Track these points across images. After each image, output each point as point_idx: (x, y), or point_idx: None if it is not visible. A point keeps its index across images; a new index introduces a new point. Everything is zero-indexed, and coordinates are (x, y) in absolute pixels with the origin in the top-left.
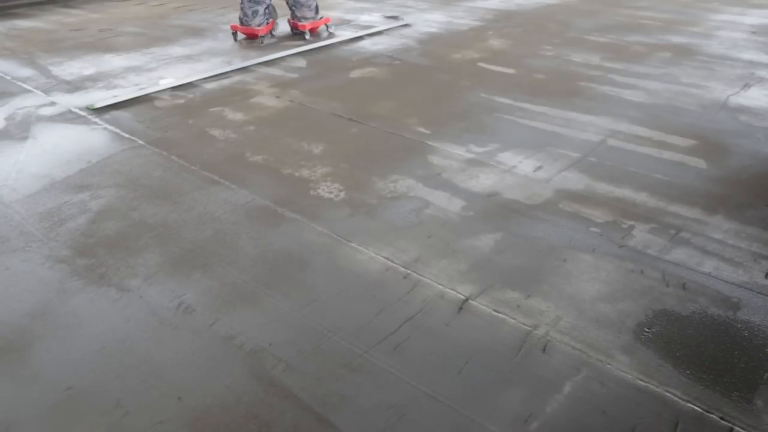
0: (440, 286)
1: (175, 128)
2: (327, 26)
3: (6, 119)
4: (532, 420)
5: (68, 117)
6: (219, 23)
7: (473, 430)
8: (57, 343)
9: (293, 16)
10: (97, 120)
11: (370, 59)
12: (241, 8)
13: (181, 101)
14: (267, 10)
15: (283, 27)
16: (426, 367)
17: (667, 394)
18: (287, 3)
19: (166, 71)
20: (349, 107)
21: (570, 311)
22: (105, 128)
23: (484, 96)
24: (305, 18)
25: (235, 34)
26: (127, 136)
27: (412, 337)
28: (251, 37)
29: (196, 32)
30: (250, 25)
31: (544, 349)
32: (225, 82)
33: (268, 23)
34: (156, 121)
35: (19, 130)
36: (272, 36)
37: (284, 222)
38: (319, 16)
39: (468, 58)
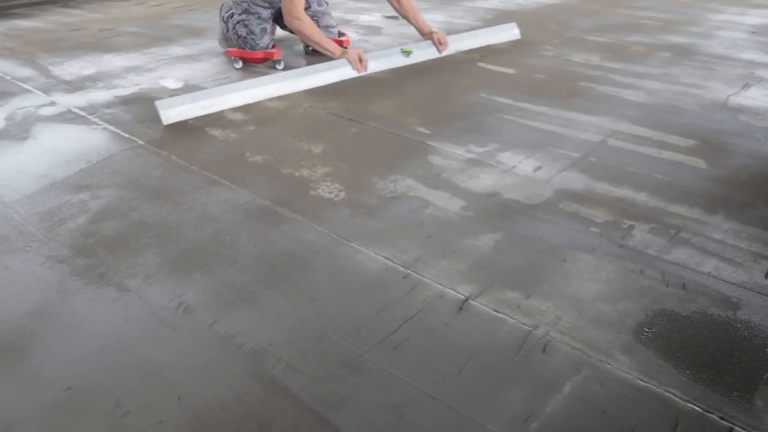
0: (440, 286)
1: (175, 128)
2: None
3: (6, 119)
4: (532, 420)
5: (68, 117)
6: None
7: (473, 430)
8: (57, 343)
9: None
10: (97, 120)
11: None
12: (245, 25)
13: None
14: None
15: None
16: (426, 367)
17: (667, 394)
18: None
19: (166, 71)
20: (349, 107)
21: (570, 311)
22: (105, 128)
23: (484, 96)
24: (331, 28)
25: (237, 60)
26: (127, 136)
27: (412, 337)
28: (258, 62)
29: (196, 32)
30: (257, 46)
31: (544, 349)
32: (225, 82)
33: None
34: (156, 120)
35: (19, 130)
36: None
37: (284, 222)
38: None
39: (468, 57)
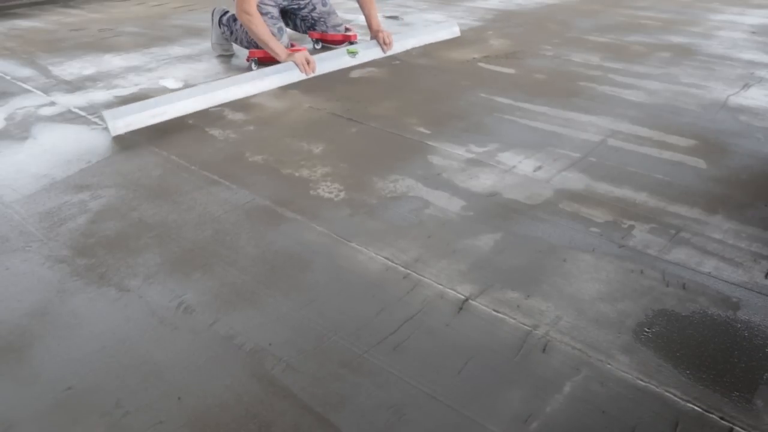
0: (440, 286)
1: (175, 128)
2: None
3: (6, 119)
4: (532, 420)
5: (68, 117)
6: None
7: (473, 430)
8: (57, 343)
9: (321, 28)
10: (97, 120)
11: (369, 59)
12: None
13: None
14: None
15: None
16: (426, 367)
17: (667, 394)
18: (299, 17)
19: (166, 71)
20: (349, 107)
21: (570, 311)
22: (105, 128)
23: (484, 96)
24: (338, 27)
25: (253, 63)
26: (127, 136)
27: (412, 337)
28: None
29: (196, 32)
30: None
31: (544, 349)
32: None
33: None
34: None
35: (19, 130)
36: None
37: (284, 222)
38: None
39: (468, 57)
